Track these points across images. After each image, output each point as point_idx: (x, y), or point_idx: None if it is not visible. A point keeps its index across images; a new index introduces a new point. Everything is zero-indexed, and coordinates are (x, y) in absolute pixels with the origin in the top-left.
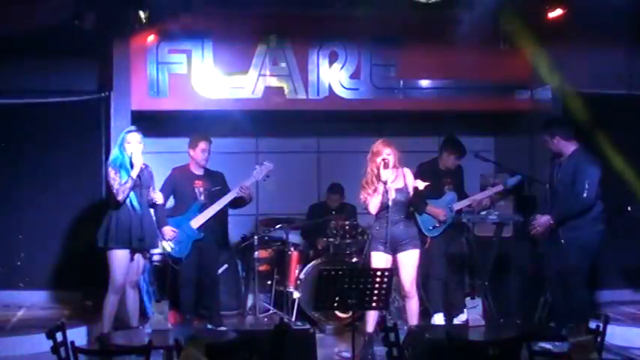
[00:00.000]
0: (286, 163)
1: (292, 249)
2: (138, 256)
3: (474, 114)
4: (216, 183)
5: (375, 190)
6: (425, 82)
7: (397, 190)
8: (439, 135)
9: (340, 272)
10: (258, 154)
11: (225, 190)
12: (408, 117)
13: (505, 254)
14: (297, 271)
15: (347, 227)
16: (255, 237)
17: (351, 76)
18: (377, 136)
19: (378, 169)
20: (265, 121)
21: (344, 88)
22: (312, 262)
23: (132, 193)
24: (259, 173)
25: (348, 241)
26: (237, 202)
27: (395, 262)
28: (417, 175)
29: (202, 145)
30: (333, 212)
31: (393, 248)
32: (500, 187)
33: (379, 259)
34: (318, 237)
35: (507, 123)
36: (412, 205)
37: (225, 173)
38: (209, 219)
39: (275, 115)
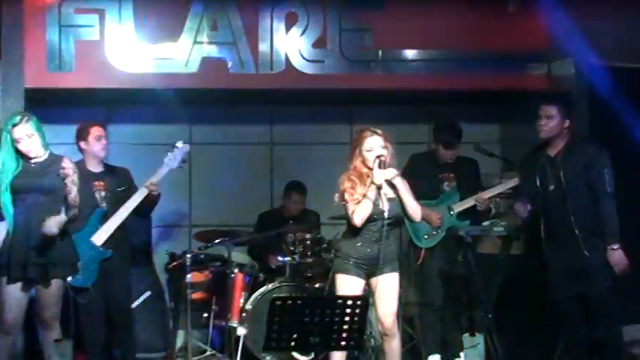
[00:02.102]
0: (229, 157)
1: (236, 271)
2: (54, 286)
3: (474, 95)
4: (121, 182)
5: (363, 196)
6: (410, 54)
7: (390, 200)
8: (429, 122)
9: (299, 301)
10: (192, 146)
11: (133, 191)
12: (389, 98)
13: (514, 277)
14: (242, 300)
15: (308, 242)
16: (188, 255)
17: (315, 45)
18: (347, 123)
19: (369, 167)
20: (202, 104)
21: (305, 60)
22: (263, 288)
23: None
24: (172, 159)
25: (309, 259)
26: (143, 206)
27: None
28: (407, 169)
29: (96, 131)
30: (291, 222)
31: (368, 271)
32: (515, 181)
33: (350, 285)
34: (271, 255)
35: (517, 106)
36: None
37: (148, 172)
38: (117, 230)
39: (214, 95)
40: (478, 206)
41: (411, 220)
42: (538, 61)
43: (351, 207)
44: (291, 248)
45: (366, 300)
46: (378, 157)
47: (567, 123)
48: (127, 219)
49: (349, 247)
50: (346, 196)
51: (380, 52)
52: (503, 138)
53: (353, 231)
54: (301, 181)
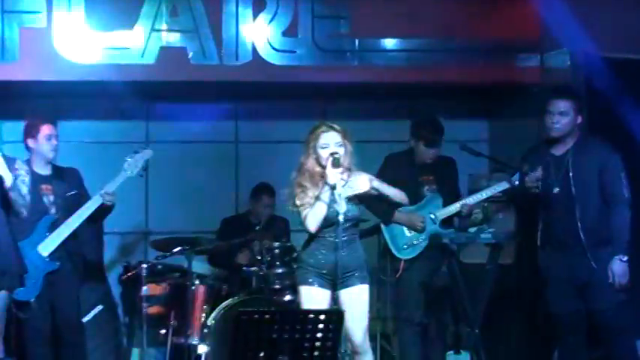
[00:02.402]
0: (190, 157)
1: (197, 282)
2: None
3: (460, 88)
4: (71, 185)
5: (316, 198)
6: (390, 43)
7: (347, 201)
8: (412, 118)
9: (267, 316)
10: (149, 145)
11: (84, 195)
12: (366, 92)
13: (504, 289)
14: (203, 315)
15: (277, 251)
16: (143, 265)
17: (285, 33)
18: (320, 119)
19: (323, 166)
20: (160, 98)
21: (274, 50)
22: (226, 302)
23: None
24: (132, 166)
25: (278, 270)
26: (97, 214)
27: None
28: (382, 171)
29: (46, 129)
30: (258, 228)
31: (333, 282)
32: (505, 185)
33: (313, 297)
34: (236, 265)
35: (508, 101)
36: (374, 212)
37: (101, 173)
38: (66, 240)
39: (174, 88)
40: (463, 212)
41: (385, 222)
42: (530, 52)
43: (303, 212)
44: (258, 257)
45: (340, 314)
46: (332, 154)
47: (579, 119)
48: (78, 228)
49: (309, 256)
50: (297, 200)
51: (357, 42)
52: (491, 136)
53: (311, 238)
54: (270, 183)
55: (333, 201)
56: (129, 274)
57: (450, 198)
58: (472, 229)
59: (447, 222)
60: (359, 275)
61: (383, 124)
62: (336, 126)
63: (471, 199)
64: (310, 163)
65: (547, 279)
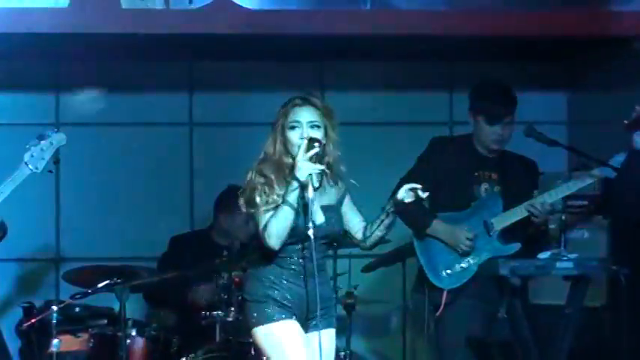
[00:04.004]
0: (119, 147)
1: (134, 333)
2: None
3: (525, 45)
4: None
5: (283, 200)
6: None
7: (326, 210)
8: (450, 89)
9: None
10: (60, 127)
11: None
12: (382, 51)
13: (591, 343)
14: None
15: None
16: (54, 307)
17: None
18: (317, 87)
19: (293, 155)
20: (77, 59)
21: None
22: None
23: None
24: (37, 158)
25: None
26: None
27: None
28: (423, 160)
29: None
30: (226, 253)
31: (302, 322)
32: (598, 173)
33: (292, 330)
34: (192, 307)
35: (595, 64)
36: (406, 220)
37: None
38: None
39: (99, 45)
40: (533, 217)
41: (418, 234)
42: None
43: (262, 217)
44: (224, 296)
45: None
46: (311, 140)
47: None
48: None
49: (269, 286)
50: (257, 198)
51: None
52: (571, 116)
53: (267, 258)
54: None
55: (301, 207)
56: (32, 320)
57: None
58: (544, 255)
59: (509, 235)
60: (328, 316)
61: (406, 97)
62: (314, 99)
63: (543, 199)
64: (276, 150)
65: None
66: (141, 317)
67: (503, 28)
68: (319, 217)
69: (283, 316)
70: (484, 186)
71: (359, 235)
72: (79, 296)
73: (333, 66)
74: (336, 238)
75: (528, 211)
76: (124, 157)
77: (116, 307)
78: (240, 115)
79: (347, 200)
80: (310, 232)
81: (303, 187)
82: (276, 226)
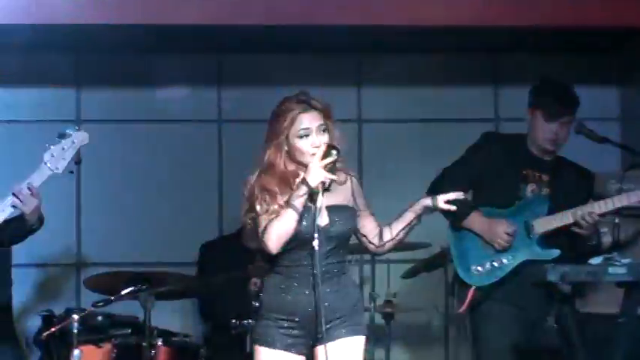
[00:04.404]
0: (145, 145)
1: (159, 343)
2: None
3: (572, 38)
4: None
5: (286, 203)
6: None
7: (331, 210)
8: (494, 84)
9: None
10: (81, 124)
11: None
12: (425, 43)
13: None
14: None
15: None
16: (74, 316)
17: None
18: (353, 84)
19: (302, 162)
20: (101, 52)
21: None
22: None
23: None
24: (57, 159)
25: None
26: (10, 230)
27: None
28: (473, 152)
29: None
30: (259, 258)
31: (308, 337)
32: None
33: None
34: (221, 315)
35: None
36: (445, 213)
37: (6, 170)
38: None
39: (124, 36)
40: (579, 228)
41: (454, 222)
42: None
43: (263, 221)
44: (257, 304)
45: None
46: (329, 146)
47: None
48: None
49: (270, 297)
50: (257, 207)
51: None
52: (624, 111)
53: (272, 266)
54: None
55: (307, 211)
56: (51, 329)
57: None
58: (596, 260)
59: (551, 240)
60: (350, 323)
61: (449, 93)
62: (314, 101)
63: (592, 208)
64: (278, 162)
65: None
66: (166, 325)
67: (552, 18)
68: (323, 219)
69: (270, 339)
70: (531, 186)
71: (376, 240)
72: (101, 304)
73: (371, 59)
74: (343, 240)
75: (574, 219)
76: (149, 156)
77: (141, 315)
78: (265, 111)
79: (360, 201)
80: (315, 243)
81: (312, 193)
82: (277, 229)
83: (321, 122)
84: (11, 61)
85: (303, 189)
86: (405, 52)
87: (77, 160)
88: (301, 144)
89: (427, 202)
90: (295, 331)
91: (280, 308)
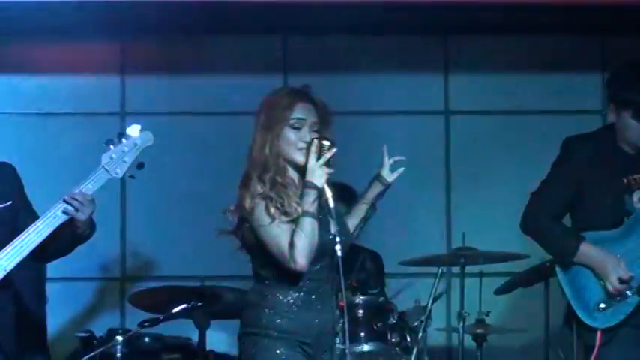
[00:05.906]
0: (198, 140)
1: None
2: None
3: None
4: (3, 190)
5: (303, 212)
6: None
7: (340, 217)
8: (602, 72)
9: None
10: (126, 117)
11: (24, 208)
12: (520, 24)
13: None
14: None
15: (362, 310)
16: (118, 337)
17: None
18: (440, 70)
19: (290, 159)
20: (147, 37)
21: None
22: None
23: None
24: (116, 163)
25: (363, 347)
26: (55, 242)
27: None
28: (560, 165)
29: None
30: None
31: (312, 356)
32: None
33: None
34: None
35: None
36: (548, 246)
37: (55, 171)
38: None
39: (173, 17)
40: None
41: (562, 260)
42: None
43: (276, 229)
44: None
45: None
46: (319, 139)
47: None
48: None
49: (276, 312)
50: (271, 209)
51: None
52: None
53: (280, 279)
54: (349, 184)
55: (326, 216)
56: (92, 353)
57: None
58: None
59: None
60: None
61: (549, 80)
62: (316, 96)
63: None
64: (272, 151)
65: None
66: (224, 349)
67: None
68: (333, 226)
69: (278, 351)
70: (637, 195)
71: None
72: (148, 323)
73: (460, 41)
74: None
75: None
76: (201, 153)
77: (194, 336)
78: (344, 100)
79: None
80: (338, 248)
81: (320, 194)
82: (308, 243)
83: (316, 121)
84: (50, 47)
85: (312, 193)
86: (497, 34)
87: (139, 165)
88: (291, 135)
89: (378, 188)
90: (296, 345)
91: (289, 327)
